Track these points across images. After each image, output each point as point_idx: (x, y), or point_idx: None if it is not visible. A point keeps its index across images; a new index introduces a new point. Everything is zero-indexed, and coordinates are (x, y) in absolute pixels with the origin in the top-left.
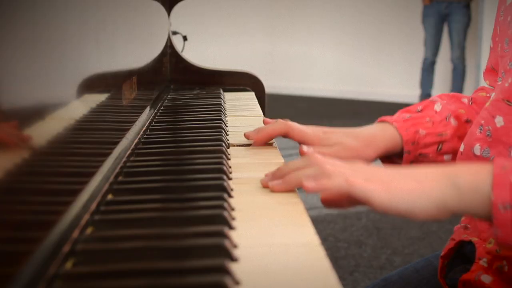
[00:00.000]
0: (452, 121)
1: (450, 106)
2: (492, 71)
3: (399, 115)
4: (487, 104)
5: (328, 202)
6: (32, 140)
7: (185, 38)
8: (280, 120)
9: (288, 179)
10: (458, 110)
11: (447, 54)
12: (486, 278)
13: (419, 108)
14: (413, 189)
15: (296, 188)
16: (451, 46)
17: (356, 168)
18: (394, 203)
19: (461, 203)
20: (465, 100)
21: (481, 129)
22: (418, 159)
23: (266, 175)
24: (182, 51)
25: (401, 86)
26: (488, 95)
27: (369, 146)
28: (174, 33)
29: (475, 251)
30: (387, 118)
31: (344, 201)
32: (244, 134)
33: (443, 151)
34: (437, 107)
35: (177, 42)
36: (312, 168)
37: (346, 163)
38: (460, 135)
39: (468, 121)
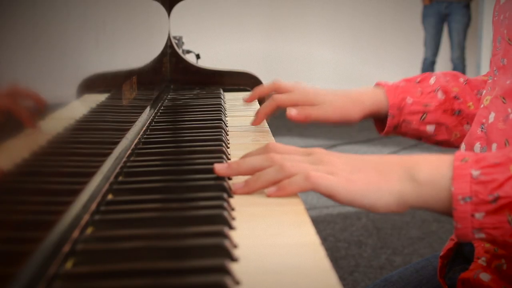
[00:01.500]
0: (439, 94)
1: (443, 80)
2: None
3: (395, 82)
4: (487, 102)
5: None
6: (32, 139)
7: (198, 57)
8: (270, 89)
9: (252, 184)
10: (451, 86)
11: (447, 54)
12: (485, 276)
13: (418, 79)
14: (375, 182)
15: None
16: (451, 46)
17: (317, 161)
18: (358, 197)
19: (420, 197)
20: (461, 80)
21: (482, 128)
22: (402, 124)
23: (215, 165)
24: None
25: None
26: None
27: (356, 105)
28: (188, 52)
29: (474, 251)
30: (382, 82)
31: None
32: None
33: (426, 121)
34: (432, 80)
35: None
36: (272, 169)
37: (307, 155)
38: (445, 109)
39: (456, 98)
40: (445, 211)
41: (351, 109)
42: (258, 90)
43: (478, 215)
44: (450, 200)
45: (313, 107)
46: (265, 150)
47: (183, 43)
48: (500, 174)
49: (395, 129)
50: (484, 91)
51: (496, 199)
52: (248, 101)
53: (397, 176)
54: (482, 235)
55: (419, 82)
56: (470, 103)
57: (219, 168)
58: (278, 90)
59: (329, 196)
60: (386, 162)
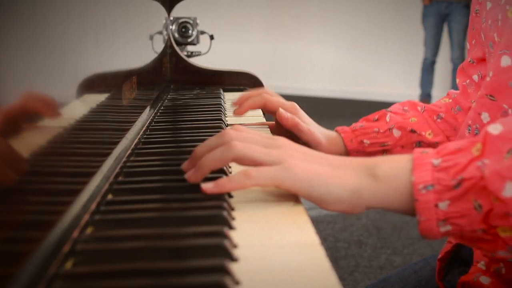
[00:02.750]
0: (395, 132)
1: (398, 116)
2: (463, 71)
3: (356, 124)
4: (474, 103)
5: None
6: (32, 139)
7: (211, 37)
8: (260, 93)
9: (200, 166)
10: (408, 119)
11: (447, 54)
12: (485, 280)
13: (376, 117)
14: (327, 174)
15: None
16: (451, 46)
17: (272, 145)
18: (305, 186)
19: (378, 193)
20: (419, 108)
21: (469, 129)
22: None
23: (182, 165)
24: (208, 50)
25: (401, 86)
26: (449, 100)
27: (329, 147)
28: (202, 32)
29: (473, 255)
30: (340, 128)
31: None
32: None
33: None
34: (387, 117)
35: (204, 41)
36: (219, 149)
37: (267, 139)
38: (403, 144)
39: (413, 131)
40: (406, 208)
41: (327, 148)
42: (248, 104)
43: (442, 205)
44: (411, 193)
45: (303, 121)
46: (219, 134)
47: (197, 24)
48: (462, 158)
49: None
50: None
51: (460, 182)
52: (239, 114)
53: (353, 171)
54: (449, 227)
55: (377, 120)
56: (429, 131)
57: (184, 168)
58: (267, 106)
59: (277, 186)
60: (345, 160)
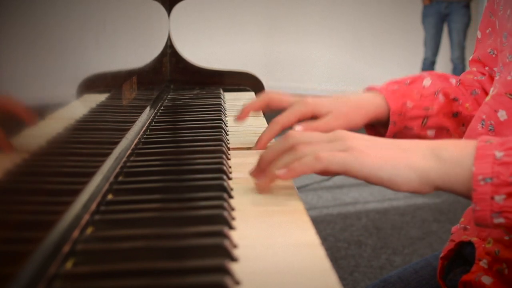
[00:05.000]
0: (440, 97)
1: (439, 83)
2: (478, 62)
3: (387, 85)
4: (488, 98)
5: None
6: (32, 140)
7: None
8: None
9: (268, 173)
10: (446, 88)
11: (447, 54)
12: (486, 279)
13: (408, 81)
14: (396, 157)
15: (296, 188)
16: (451, 46)
17: (335, 138)
18: (374, 170)
19: (444, 176)
20: (453, 81)
21: (483, 124)
22: (403, 131)
23: (250, 173)
24: None
25: None
26: (476, 78)
27: (359, 112)
28: None
29: (475, 253)
30: (376, 87)
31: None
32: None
33: (427, 125)
34: (426, 82)
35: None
36: (287, 154)
37: (323, 135)
38: (445, 112)
39: (455, 99)
40: (467, 193)
41: (354, 116)
42: (249, 106)
43: (498, 198)
44: (471, 181)
45: (317, 121)
46: (284, 137)
47: None
48: None
49: (395, 136)
50: (492, 89)
51: None
52: (240, 119)
53: (420, 153)
54: (501, 220)
55: (410, 83)
56: (467, 104)
57: (253, 175)
58: (271, 103)
59: (344, 173)
60: (410, 142)
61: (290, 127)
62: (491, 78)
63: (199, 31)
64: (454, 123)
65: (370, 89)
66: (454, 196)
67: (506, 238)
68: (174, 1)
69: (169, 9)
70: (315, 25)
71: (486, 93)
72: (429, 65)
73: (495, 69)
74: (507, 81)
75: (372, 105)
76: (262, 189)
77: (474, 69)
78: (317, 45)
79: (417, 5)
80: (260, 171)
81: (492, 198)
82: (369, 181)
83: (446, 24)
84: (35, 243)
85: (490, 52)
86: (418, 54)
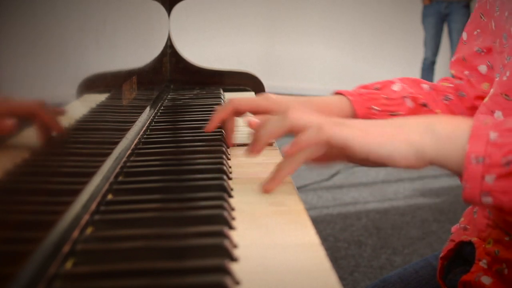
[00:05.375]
0: (408, 102)
1: (409, 88)
2: (462, 62)
3: (355, 89)
4: (486, 99)
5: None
6: (32, 140)
7: None
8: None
9: (280, 169)
10: (415, 93)
11: (447, 54)
12: (486, 280)
13: (378, 86)
14: (393, 134)
15: (296, 188)
16: (451, 46)
17: (332, 119)
18: (374, 147)
19: (439, 151)
20: (425, 86)
21: None
22: None
23: (263, 188)
24: None
25: None
26: (451, 85)
27: (322, 113)
28: None
29: (475, 253)
30: (343, 91)
31: (324, 155)
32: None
33: None
34: (395, 87)
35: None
36: (279, 119)
37: (329, 118)
38: None
39: (424, 105)
40: (458, 170)
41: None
42: (216, 116)
43: (488, 178)
44: (463, 158)
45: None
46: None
47: None
48: None
49: None
50: (492, 90)
51: (509, 162)
52: (208, 130)
53: (416, 128)
54: (490, 200)
55: (379, 88)
56: (438, 110)
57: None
58: (238, 109)
59: (344, 148)
60: (404, 118)
61: (243, 113)
62: (470, 82)
63: (199, 31)
64: None
65: (337, 93)
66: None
67: (507, 239)
68: (174, 1)
69: (169, 9)
70: (315, 25)
71: (464, 99)
72: (429, 65)
73: (479, 67)
74: (503, 81)
75: (336, 107)
76: (267, 191)
77: (453, 71)
78: (317, 45)
79: (417, 5)
80: (260, 144)
81: (483, 177)
82: (369, 158)
83: (446, 24)
84: (35, 243)
85: (478, 50)
86: (418, 54)
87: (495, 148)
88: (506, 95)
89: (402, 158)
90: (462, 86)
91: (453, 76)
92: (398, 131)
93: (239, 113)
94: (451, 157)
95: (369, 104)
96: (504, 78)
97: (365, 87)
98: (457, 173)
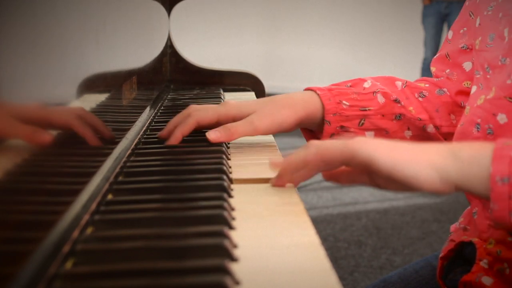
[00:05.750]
0: (379, 97)
1: (380, 84)
2: (445, 59)
3: (326, 86)
4: (480, 102)
5: (329, 175)
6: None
7: None
8: (189, 113)
9: (289, 180)
10: (387, 89)
11: None
12: (487, 280)
13: (349, 84)
14: (418, 156)
15: (296, 188)
16: None
17: (356, 137)
18: (399, 165)
19: (463, 175)
20: (398, 83)
21: (478, 128)
22: (339, 131)
23: (272, 183)
24: None
25: None
26: (426, 85)
27: (286, 111)
28: None
29: (475, 253)
30: (313, 87)
31: (344, 173)
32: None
33: (364, 126)
34: (367, 84)
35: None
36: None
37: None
38: (385, 113)
39: (396, 101)
40: (485, 193)
41: (280, 115)
42: (179, 131)
43: None
44: (489, 181)
45: (237, 122)
46: (305, 146)
47: None
48: None
49: (332, 137)
50: (474, 88)
51: None
52: (171, 143)
53: (438, 152)
54: None
55: (351, 86)
56: (411, 108)
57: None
58: (200, 124)
59: (368, 164)
60: (428, 145)
61: (211, 126)
62: (449, 79)
63: (199, 31)
64: (395, 126)
65: (306, 89)
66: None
67: (510, 239)
68: (174, 1)
69: (169, 9)
70: (315, 25)
71: (443, 96)
72: (429, 65)
73: (464, 64)
74: (507, 85)
75: (304, 103)
76: (278, 186)
77: (433, 69)
78: (317, 45)
79: (417, 5)
80: (282, 181)
81: (510, 197)
82: (393, 176)
83: (446, 24)
84: (35, 243)
85: (463, 47)
86: (418, 54)
87: None
88: (510, 98)
89: (427, 181)
90: (442, 82)
91: (432, 75)
92: (422, 153)
93: (201, 127)
94: (476, 180)
95: (338, 98)
96: (508, 82)
97: (336, 84)
98: (484, 196)
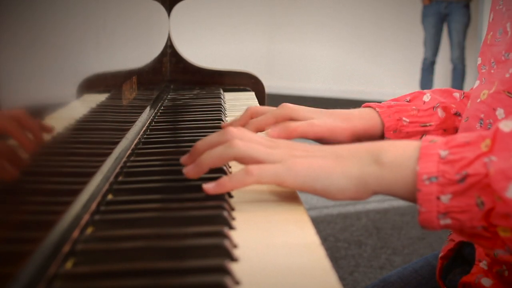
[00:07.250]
0: (439, 112)
1: (439, 97)
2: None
3: (385, 102)
4: (484, 97)
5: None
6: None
7: None
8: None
9: (199, 162)
10: (449, 103)
11: (447, 54)
12: (486, 281)
13: (408, 98)
14: (331, 166)
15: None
16: (451, 46)
17: (275, 145)
18: (308, 181)
19: (383, 180)
20: (457, 95)
21: (481, 123)
22: None
23: (181, 159)
24: None
25: (401, 86)
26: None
27: (344, 122)
28: None
29: (475, 253)
30: (372, 104)
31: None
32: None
33: None
34: (426, 97)
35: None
36: (221, 147)
37: (263, 138)
38: (446, 128)
39: (457, 114)
40: (410, 196)
41: (337, 125)
42: (237, 122)
43: (444, 198)
44: (415, 182)
45: (297, 122)
46: (221, 131)
47: None
48: (470, 152)
49: None
50: (477, 82)
51: (464, 177)
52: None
53: (357, 159)
54: (448, 221)
55: (410, 101)
56: None
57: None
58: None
59: (278, 184)
60: (350, 148)
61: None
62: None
63: (199, 31)
64: None
65: (365, 106)
66: None
67: None
68: (174, 1)
69: (169, 9)
70: (315, 25)
71: None
72: (429, 65)
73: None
74: (506, 78)
75: (362, 119)
76: (190, 176)
77: (479, 60)
78: (317, 45)
79: (417, 5)
80: (191, 159)
81: (438, 198)
82: (304, 191)
83: (446, 24)
84: (35, 243)
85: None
86: (418, 54)
87: (448, 165)
88: (508, 92)
89: (339, 192)
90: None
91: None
92: (337, 163)
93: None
94: (397, 184)
95: (398, 115)
96: (507, 75)
97: (394, 99)
98: (408, 199)
